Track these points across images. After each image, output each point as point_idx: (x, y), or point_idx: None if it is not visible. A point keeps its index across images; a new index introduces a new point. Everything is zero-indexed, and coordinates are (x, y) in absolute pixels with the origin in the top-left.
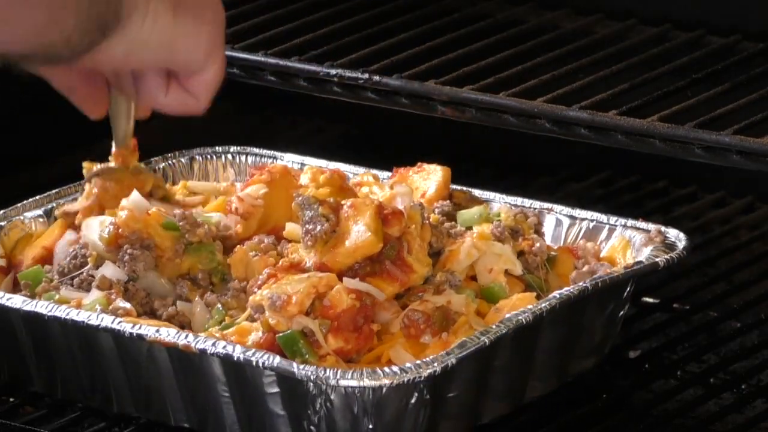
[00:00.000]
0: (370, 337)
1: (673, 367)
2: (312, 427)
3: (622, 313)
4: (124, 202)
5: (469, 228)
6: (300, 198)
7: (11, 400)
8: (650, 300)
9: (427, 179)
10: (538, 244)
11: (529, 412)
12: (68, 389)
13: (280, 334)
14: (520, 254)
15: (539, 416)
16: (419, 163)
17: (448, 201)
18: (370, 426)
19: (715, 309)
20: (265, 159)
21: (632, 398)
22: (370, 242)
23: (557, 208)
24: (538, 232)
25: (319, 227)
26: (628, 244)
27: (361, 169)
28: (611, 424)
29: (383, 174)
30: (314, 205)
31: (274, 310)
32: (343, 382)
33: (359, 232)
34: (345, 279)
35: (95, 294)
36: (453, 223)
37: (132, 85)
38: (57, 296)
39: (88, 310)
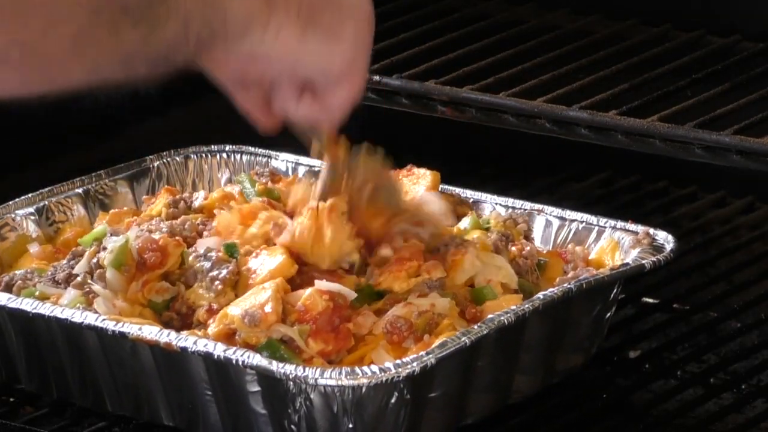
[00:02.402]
0: (347, 336)
1: (673, 367)
2: (293, 426)
3: (608, 314)
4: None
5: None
6: (195, 253)
7: (11, 400)
8: (650, 300)
9: (417, 183)
10: (528, 248)
11: (528, 412)
12: (61, 389)
13: (260, 345)
14: (511, 260)
15: (538, 416)
16: (409, 166)
17: None
18: (350, 425)
19: (715, 309)
20: (260, 158)
21: (632, 398)
22: (284, 264)
23: (547, 209)
24: (528, 237)
25: (224, 271)
26: (616, 245)
27: None
28: (611, 424)
29: None
30: (210, 254)
31: (254, 325)
32: (322, 381)
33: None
34: (316, 281)
35: (72, 293)
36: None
37: (256, 96)
38: (37, 292)
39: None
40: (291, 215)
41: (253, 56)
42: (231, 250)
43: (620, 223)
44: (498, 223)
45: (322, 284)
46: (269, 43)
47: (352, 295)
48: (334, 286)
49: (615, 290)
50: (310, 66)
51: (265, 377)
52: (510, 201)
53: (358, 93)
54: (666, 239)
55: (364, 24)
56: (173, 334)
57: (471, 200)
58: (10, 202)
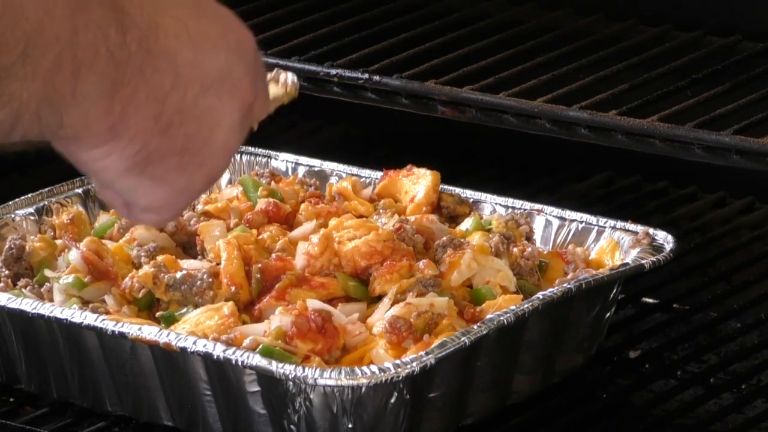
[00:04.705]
0: (335, 334)
1: (673, 367)
2: (292, 426)
3: (608, 314)
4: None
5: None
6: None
7: (11, 400)
8: (650, 300)
9: (417, 183)
10: (529, 249)
11: (528, 412)
12: (61, 389)
13: (259, 348)
14: (513, 262)
15: (539, 416)
16: (409, 166)
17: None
18: (350, 425)
19: (715, 309)
20: (260, 158)
21: (632, 398)
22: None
23: (547, 209)
24: (530, 238)
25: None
26: (616, 246)
27: (354, 169)
28: (611, 424)
29: (376, 174)
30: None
31: (228, 343)
32: (321, 381)
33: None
34: (308, 300)
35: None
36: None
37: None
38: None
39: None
40: None
41: (76, 160)
42: None
43: (620, 223)
44: (500, 224)
45: (313, 303)
46: (89, 160)
47: (341, 317)
48: (320, 305)
49: (615, 290)
50: (122, 192)
51: (264, 377)
52: (510, 201)
53: (165, 221)
54: (666, 239)
55: (207, 181)
56: (173, 334)
57: (471, 200)
58: (10, 202)
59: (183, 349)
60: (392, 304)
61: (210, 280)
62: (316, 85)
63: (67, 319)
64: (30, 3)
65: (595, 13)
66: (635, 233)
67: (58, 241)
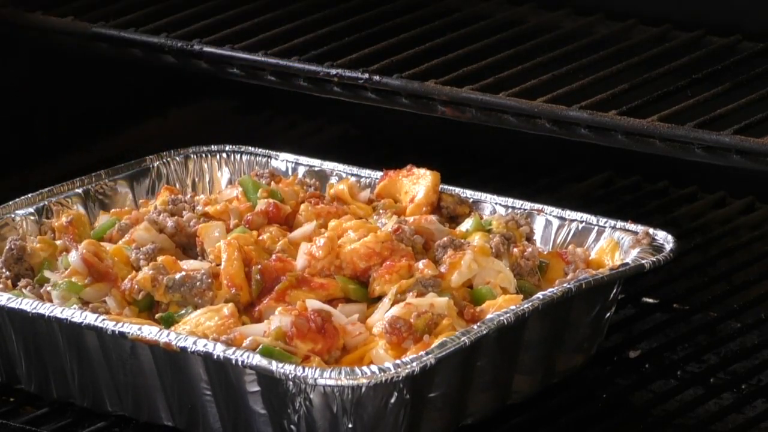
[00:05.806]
0: (335, 334)
1: (673, 367)
2: (292, 426)
3: (608, 314)
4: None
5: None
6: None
7: (11, 400)
8: (650, 300)
9: (417, 183)
10: (530, 249)
11: (529, 412)
12: (61, 389)
13: (259, 348)
14: (513, 262)
15: (538, 416)
16: (409, 166)
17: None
18: (350, 425)
19: (715, 309)
20: (260, 158)
21: (632, 398)
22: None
23: (547, 209)
24: (530, 239)
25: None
26: (616, 245)
27: (354, 169)
28: (611, 424)
29: (376, 174)
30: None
31: (228, 343)
32: (321, 381)
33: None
34: (307, 301)
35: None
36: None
37: None
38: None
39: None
40: None
41: None
42: None
43: (620, 223)
44: (500, 225)
45: (313, 303)
46: None
47: (341, 317)
48: (319, 305)
49: (615, 290)
50: None
51: (264, 377)
52: (510, 201)
53: None
54: (666, 239)
55: None
56: (173, 334)
57: (471, 200)
58: (10, 202)
59: (183, 349)
60: (392, 305)
61: (209, 280)
62: (316, 85)
63: (67, 319)
64: None
65: (595, 13)
66: (635, 233)
67: (58, 242)
